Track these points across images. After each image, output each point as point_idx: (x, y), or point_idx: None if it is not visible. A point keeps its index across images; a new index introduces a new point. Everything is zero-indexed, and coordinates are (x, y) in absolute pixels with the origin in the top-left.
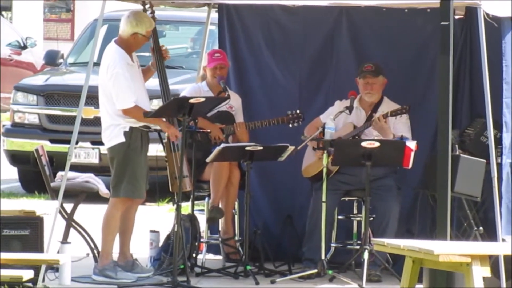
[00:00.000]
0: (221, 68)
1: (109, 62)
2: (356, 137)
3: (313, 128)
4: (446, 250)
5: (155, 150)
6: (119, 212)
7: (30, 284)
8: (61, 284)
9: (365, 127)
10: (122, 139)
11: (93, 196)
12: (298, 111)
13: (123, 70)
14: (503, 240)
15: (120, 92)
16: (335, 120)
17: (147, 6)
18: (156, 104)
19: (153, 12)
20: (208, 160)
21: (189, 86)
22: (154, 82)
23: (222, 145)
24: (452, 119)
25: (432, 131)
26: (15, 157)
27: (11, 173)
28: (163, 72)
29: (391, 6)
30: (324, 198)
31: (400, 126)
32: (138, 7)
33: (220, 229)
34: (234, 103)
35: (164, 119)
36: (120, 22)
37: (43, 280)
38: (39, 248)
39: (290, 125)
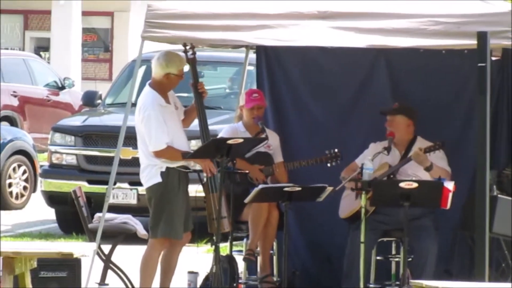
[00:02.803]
0: (258, 108)
1: (141, 105)
2: (391, 176)
3: (350, 171)
4: None
5: (194, 190)
6: (158, 253)
7: None
8: None
9: (401, 165)
10: (159, 179)
11: (131, 238)
12: (336, 150)
13: (155, 112)
14: None
15: (151, 134)
16: (373, 161)
17: (188, 47)
18: (195, 144)
19: (194, 53)
20: (246, 200)
21: (226, 126)
22: (193, 122)
23: (260, 186)
24: (490, 159)
25: (470, 172)
26: (53, 198)
27: (49, 214)
28: (203, 112)
29: (429, 47)
30: (362, 239)
31: (439, 161)
32: (178, 47)
33: (258, 269)
34: (272, 142)
35: None
36: None
37: None
38: None
39: (329, 164)
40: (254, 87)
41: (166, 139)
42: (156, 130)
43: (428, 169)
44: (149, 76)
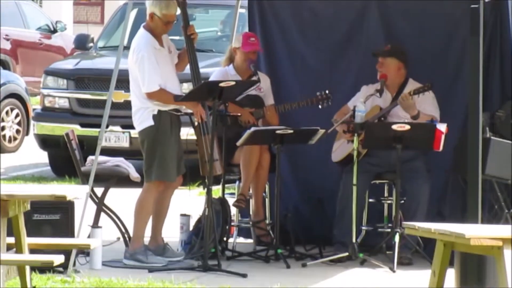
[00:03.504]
0: (254, 53)
1: (135, 46)
2: (383, 118)
3: (342, 114)
4: (477, 233)
5: (186, 133)
6: (153, 196)
7: (61, 269)
8: (92, 269)
9: (391, 107)
10: (151, 122)
11: (123, 180)
12: (327, 92)
13: (148, 53)
14: None
15: (145, 75)
16: (365, 103)
17: None
18: (187, 87)
19: None
20: (238, 143)
21: (216, 69)
22: None
23: (253, 129)
24: (483, 101)
25: (462, 114)
26: (46, 141)
27: (42, 157)
28: (193, 55)
29: None
30: (354, 181)
31: (427, 105)
32: None
33: (250, 212)
34: (263, 84)
35: None
36: None
37: (74, 265)
38: (69, 232)
39: (320, 106)
40: (246, 29)
41: (159, 80)
42: (149, 72)
43: (415, 117)
44: (141, 19)
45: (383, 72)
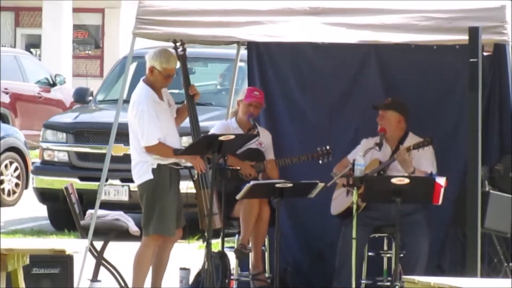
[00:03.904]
0: (255, 107)
1: (135, 100)
2: (382, 172)
3: (342, 167)
4: (476, 287)
5: (186, 187)
6: (151, 250)
7: None
8: None
9: (391, 161)
10: (150, 176)
11: (123, 234)
12: (328, 147)
13: (148, 107)
14: None
15: (144, 129)
16: (364, 156)
17: (178, 44)
18: (186, 141)
19: (184, 50)
20: (238, 197)
21: (218, 123)
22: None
23: (252, 182)
24: (482, 155)
25: (462, 168)
26: (45, 195)
27: (41, 211)
28: (193, 109)
29: (420, 43)
30: (354, 235)
31: (424, 161)
32: (169, 44)
33: (250, 265)
34: (264, 139)
35: None
36: None
37: None
38: (69, 286)
39: (320, 161)
40: (245, 83)
41: (158, 134)
42: (148, 125)
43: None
44: (140, 72)
45: (383, 126)
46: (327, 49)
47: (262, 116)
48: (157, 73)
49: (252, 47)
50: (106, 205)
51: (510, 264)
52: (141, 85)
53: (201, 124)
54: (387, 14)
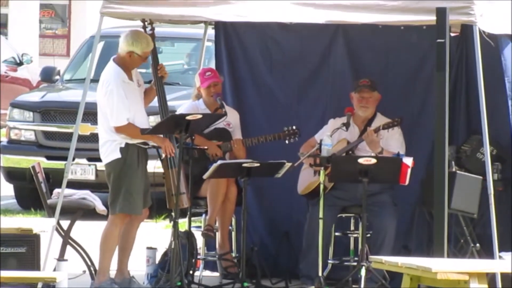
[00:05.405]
0: (214, 85)
1: (104, 79)
2: (350, 152)
3: (309, 147)
4: (444, 267)
5: (153, 166)
6: (118, 229)
7: None
8: None
9: (358, 142)
10: (118, 155)
11: (89, 213)
12: (294, 127)
13: (117, 87)
14: (500, 257)
15: (113, 109)
16: (331, 136)
17: (147, 23)
18: (153, 120)
19: (153, 29)
20: (205, 176)
21: (186, 103)
22: None
23: (219, 162)
24: (449, 135)
25: (428, 148)
26: (11, 174)
27: (7, 190)
28: (162, 89)
29: (387, 23)
30: (321, 215)
31: (392, 142)
32: (137, 23)
33: (217, 245)
34: (231, 119)
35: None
36: (117, 39)
37: None
38: (35, 265)
39: (287, 141)
40: (213, 63)
41: (127, 114)
42: (117, 106)
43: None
44: (107, 51)
45: (367, 107)
46: (295, 29)
47: (229, 96)
48: (137, 57)
49: (220, 27)
50: (73, 184)
51: (477, 244)
52: (111, 65)
53: (168, 103)
54: None
